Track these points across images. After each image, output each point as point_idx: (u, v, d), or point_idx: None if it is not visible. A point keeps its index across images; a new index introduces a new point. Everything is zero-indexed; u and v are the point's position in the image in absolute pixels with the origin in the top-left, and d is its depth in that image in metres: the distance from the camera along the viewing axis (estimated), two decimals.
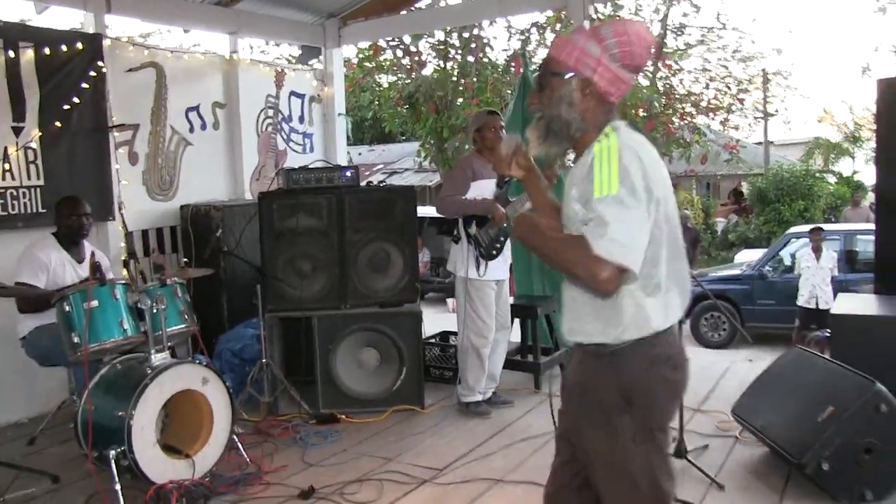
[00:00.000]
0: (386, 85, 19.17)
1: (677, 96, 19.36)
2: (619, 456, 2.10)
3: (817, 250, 9.48)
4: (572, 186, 2.12)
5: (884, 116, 5.23)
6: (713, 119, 21.36)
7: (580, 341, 2.19)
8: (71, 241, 4.90)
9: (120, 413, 3.76)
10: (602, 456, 2.15)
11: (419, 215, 5.67)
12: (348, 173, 5.42)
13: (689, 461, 4.08)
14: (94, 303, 3.99)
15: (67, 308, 4.03)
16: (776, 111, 27.60)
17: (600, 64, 2.09)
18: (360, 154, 25.64)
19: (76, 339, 4.00)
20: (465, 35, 16.22)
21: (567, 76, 2.12)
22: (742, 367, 6.40)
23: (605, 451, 2.13)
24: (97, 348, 4.04)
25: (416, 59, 17.71)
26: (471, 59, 17.07)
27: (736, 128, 23.94)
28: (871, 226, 5.78)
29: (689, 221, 17.80)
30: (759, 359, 6.55)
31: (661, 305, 2.09)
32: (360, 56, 16.62)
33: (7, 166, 5.19)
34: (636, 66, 2.14)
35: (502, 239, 5.14)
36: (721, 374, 6.12)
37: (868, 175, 24.35)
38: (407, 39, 15.53)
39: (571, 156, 2.30)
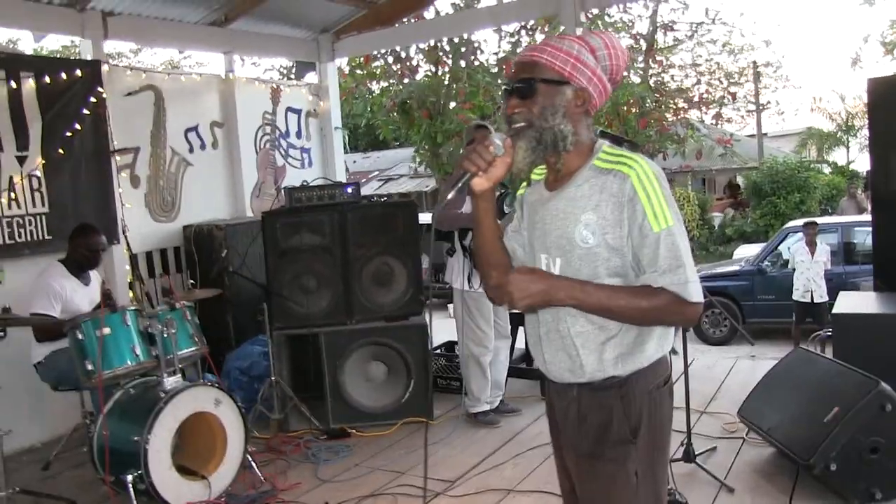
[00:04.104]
0: (378, 91, 19.21)
1: (668, 92, 19.41)
2: (623, 490, 2.01)
3: (811, 244, 9.48)
4: (583, 211, 1.94)
5: (875, 113, 5.30)
6: (706, 113, 21.43)
7: (589, 379, 2.03)
8: (79, 268, 4.93)
9: (135, 438, 3.82)
10: (608, 490, 2.04)
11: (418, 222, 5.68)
12: (349, 189, 5.47)
13: (699, 465, 4.14)
14: (107, 330, 4.04)
15: (80, 336, 4.06)
16: (768, 103, 27.74)
17: (595, 75, 1.98)
18: (354, 161, 25.69)
19: (90, 367, 4.04)
20: (456, 40, 16.24)
21: (561, 85, 1.95)
22: (745, 364, 6.47)
23: (611, 485, 2.03)
24: (110, 375, 4.08)
25: (408, 65, 17.77)
26: (462, 63, 17.12)
27: (729, 121, 24.03)
28: (869, 217, 5.79)
29: None
30: (761, 354, 6.59)
31: (665, 332, 2.06)
32: (352, 65, 16.66)
33: (13, 195, 5.25)
34: (617, 80, 2.07)
35: None
36: (725, 374, 6.17)
37: (862, 163, 24.36)
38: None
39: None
